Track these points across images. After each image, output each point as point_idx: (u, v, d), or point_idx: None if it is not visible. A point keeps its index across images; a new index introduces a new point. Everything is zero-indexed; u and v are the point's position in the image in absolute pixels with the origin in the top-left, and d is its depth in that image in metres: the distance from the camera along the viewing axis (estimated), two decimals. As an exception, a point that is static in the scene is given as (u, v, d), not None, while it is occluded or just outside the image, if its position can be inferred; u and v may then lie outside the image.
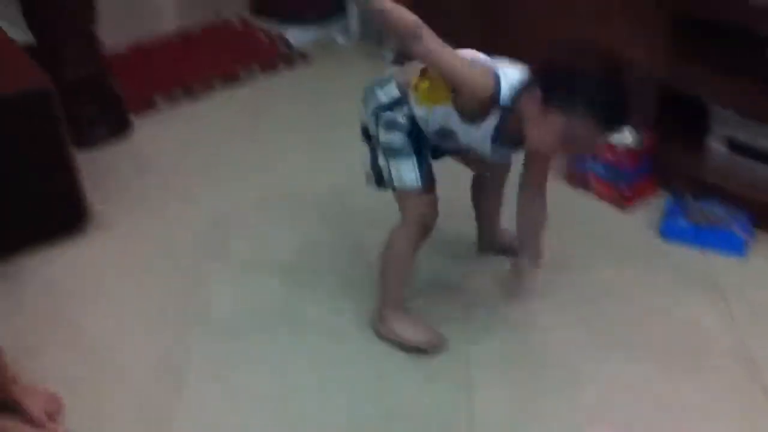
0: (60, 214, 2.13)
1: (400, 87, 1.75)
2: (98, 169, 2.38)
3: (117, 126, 2.61)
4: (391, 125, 1.75)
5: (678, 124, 2.32)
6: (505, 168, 1.96)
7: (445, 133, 1.73)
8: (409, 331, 1.84)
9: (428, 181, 1.76)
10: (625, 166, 2.23)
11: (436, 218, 1.78)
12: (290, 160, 2.51)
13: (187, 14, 3.47)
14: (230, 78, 2.93)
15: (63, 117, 2.07)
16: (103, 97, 2.59)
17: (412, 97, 1.73)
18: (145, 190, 2.36)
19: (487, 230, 2.10)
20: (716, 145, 2.27)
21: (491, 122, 1.64)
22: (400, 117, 1.74)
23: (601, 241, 2.17)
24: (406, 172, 1.74)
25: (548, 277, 1.97)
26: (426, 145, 1.77)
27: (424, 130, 1.75)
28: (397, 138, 1.75)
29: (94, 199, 2.22)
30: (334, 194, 2.35)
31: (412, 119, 1.74)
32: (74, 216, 2.15)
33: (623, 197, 2.26)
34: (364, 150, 1.83)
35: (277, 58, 3.05)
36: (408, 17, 1.53)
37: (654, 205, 2.27)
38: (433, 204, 1.77)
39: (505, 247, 2.07)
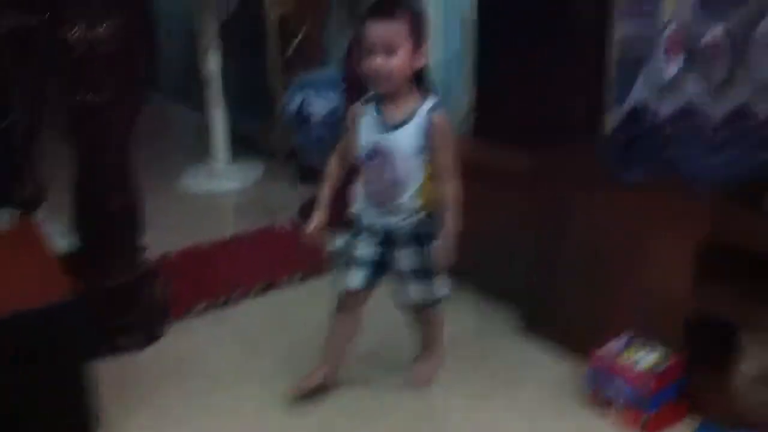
0: (69, 427, 2.13)
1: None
2: (119, 376, 2.40)
3: (150, 335, 2.64)
4: None
5: (709, 348, 2.22)
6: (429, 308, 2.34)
7: (372, 149, 2.15)
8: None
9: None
10: (648, 390, 2.12)
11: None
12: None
13: (243, 221, 3.64)
14: (270, 285, 3.00)
15: (86, 329, 2.11)
16: (140, 306, 2.64)
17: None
18: (164, 401, 2.35)
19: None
20: (748, 372, 2.14)
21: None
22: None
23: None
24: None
25: None
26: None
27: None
28: None
29: (110, 409, 2.22)
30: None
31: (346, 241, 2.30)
32: (84, 429, 2.14)
33: (646, 424, 2.14)
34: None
35: (321, 261, 3.11)
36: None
37: (681, 433, 2.14)
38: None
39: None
